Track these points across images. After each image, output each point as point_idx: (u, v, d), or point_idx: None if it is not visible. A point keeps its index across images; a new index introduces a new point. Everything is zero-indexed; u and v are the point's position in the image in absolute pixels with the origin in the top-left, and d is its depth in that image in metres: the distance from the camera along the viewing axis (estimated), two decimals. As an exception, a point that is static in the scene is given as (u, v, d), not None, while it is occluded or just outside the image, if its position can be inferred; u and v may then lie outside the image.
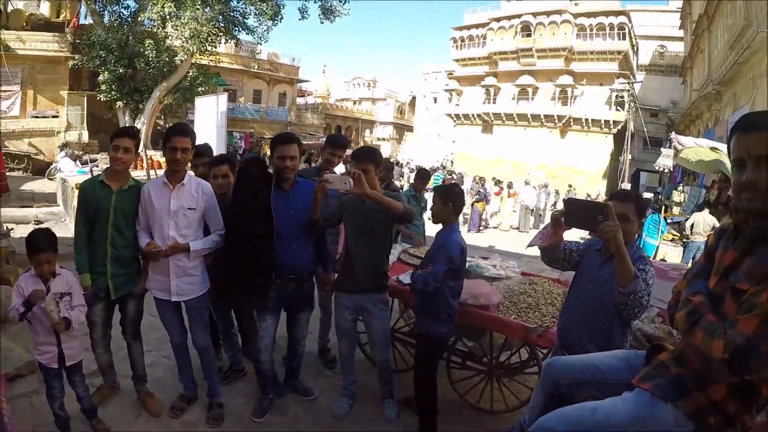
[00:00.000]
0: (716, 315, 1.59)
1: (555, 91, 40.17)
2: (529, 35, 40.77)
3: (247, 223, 3.44)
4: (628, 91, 34.79)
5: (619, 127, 36.71)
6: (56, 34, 21.72)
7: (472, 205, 16.27)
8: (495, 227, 17.55)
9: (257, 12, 20.39)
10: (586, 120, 39.38)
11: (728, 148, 1.68)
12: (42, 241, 3.06)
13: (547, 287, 4.20)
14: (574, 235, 2.68)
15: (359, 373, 4.22)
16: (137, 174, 8.54)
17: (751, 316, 1.42)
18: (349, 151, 5.17)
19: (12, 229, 7.20)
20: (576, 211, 2.35)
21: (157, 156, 16.54)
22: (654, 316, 3.69)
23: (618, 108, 37.68)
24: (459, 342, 4.27)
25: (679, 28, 34.53)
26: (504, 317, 3.71)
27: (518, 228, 17.69)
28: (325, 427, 3.79)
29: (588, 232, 2.35)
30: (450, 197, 3.49)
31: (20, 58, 20.82)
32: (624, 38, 38.39)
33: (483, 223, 16.86)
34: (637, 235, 9.73)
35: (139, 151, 4.26)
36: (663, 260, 9.93)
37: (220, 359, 4.44)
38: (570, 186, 23.85)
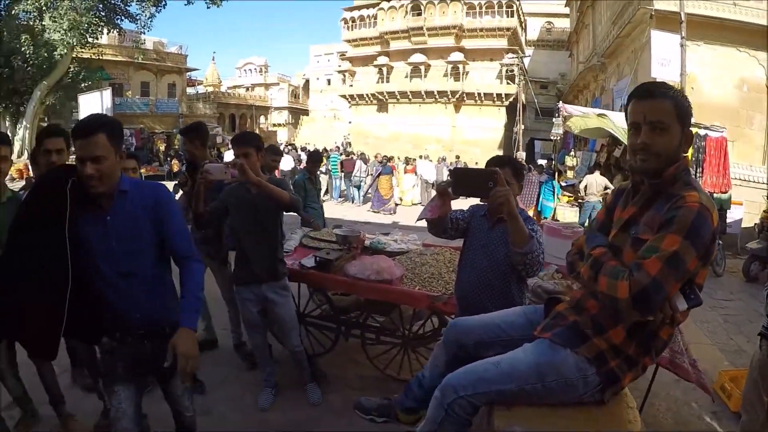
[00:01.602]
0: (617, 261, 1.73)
1: (447, 67, 41.07)
2: (419, 14, 41.30)
3: (31, 264, 2.16)
4: (518, 65, 36.15)
5: (511, 99, 38.17)
6: None
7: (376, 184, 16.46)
8: (398, 204, 17.84)
9: (140, -2, 19.37)
10: (479, 94, 40.75)
11: (626, 112, 1.83)
12: None
13: (449, 256, 4.34)
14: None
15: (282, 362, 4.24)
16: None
17: (655, 259, 1.56)
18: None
19: None
20: (465, 180, 2.34)
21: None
22: (553, 272, 3.86)
23: (509, 82, 39.25)
24: (370, 318, 4.34)
25: (565, 6, 36.71)
26: (408, 289, 3.80)
27: (420, 203, 18.02)
28: (253, 422, 3.73)
29: (479, 199, 2.39)
30: None
31: None
32: (512, 16, 39.96)
33: (394, 202, 16.95)
34: (535, 199, 10.17)
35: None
36: (556, 220, 10.51)
37: None
38: (457, 157, 24.68)
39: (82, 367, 3.94)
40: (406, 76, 42.63)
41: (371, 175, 18.00)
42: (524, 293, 2.94)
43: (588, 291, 1.89)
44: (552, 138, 15.67)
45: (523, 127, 30.68)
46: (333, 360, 4.55)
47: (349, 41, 47.63)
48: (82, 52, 21.10)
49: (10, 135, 18.71)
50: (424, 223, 2.86)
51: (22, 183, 11.04)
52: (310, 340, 4.57)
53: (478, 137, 40.28)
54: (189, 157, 4.58)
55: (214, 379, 4.22)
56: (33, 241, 2.15)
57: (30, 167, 12.66)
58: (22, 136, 19.78)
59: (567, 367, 1.79)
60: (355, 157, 18.90)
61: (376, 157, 19.76)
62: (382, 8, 43.35)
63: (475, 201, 2.63)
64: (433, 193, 12.76)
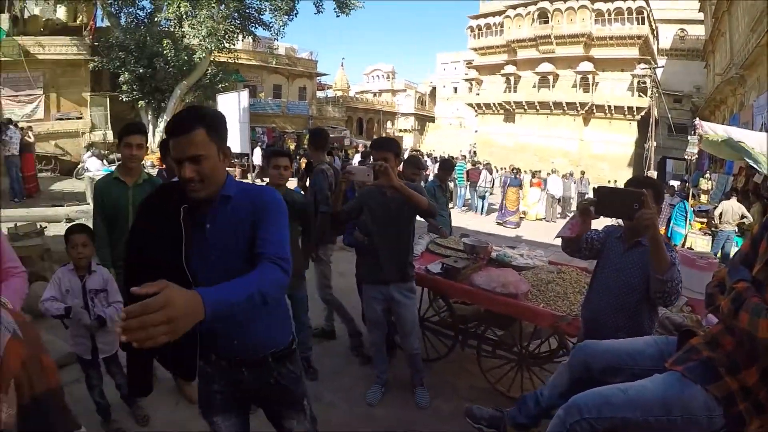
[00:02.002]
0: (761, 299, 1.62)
1: (576, 78, 39.59)
2: (546, 22, 40.22)
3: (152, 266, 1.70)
4: (650, 76, 34.15)
5: (643, 113, 36.12)
6: (74, 37, 21.75)
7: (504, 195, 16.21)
8: (522, 217, 17.40)
9: (272, 8, 20.73)
10: (609, 107, 38.84)
11: None
12: (78, 227, 3.24)
13: (575, 276, 4.22)
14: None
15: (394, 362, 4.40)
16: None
17: None
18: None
19: (45, 227, 7.39)
20: (609, 200, 2.30)
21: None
22: (683, 305, 3.65)
23: (641, 94, 37.10)
24: (489, 331, 4.34)
25: (699, 11, 33.61)
26: (533, 305, 3.75)
27: (545, 218, 17.54)
28: (359, 415, 3.88)
29: (622, 220, 2.34)
30: None
31: (41, 63, 20.86)
32: (643, 22, 37.57)
33: (519, 215, 16.39)
34: (665, 223, 9.45)
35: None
36: (690, 249, 9.81)
37: None
38: (582, 173, 23.54)
39: None
40: (534, 86, 41.62)
41: (501, 186, 17.74)
42: (655, 322, 2.83)
43: (726, 326, 1.80)
44: (686, 157, 14.64)
45: (655, 144, 28.86)
46: (446, 367, 4.63)
47: (475, 49, 47.44)
48: (219, 55, 22.94)
49: (152, 127, 20.89)
50: (551, 240, 2.85)
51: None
52: (425, 345, 4.66)
53: (607, 152, 38.47)
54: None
55: (327, 369, 4.50)
56: (156, 241, 1.87)
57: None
58: (162, 129, 21.60)
59: (695, 404, 1.73)
60: (481, 167, 18.76)
61: (509, 168, 19.53)
62: (508, 16, 42.74)
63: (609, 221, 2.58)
64: (559, 209, 12.43)
